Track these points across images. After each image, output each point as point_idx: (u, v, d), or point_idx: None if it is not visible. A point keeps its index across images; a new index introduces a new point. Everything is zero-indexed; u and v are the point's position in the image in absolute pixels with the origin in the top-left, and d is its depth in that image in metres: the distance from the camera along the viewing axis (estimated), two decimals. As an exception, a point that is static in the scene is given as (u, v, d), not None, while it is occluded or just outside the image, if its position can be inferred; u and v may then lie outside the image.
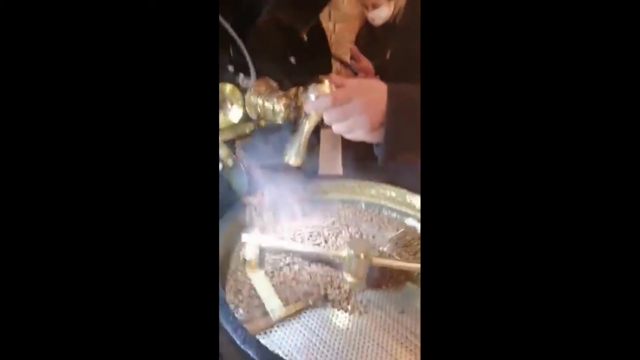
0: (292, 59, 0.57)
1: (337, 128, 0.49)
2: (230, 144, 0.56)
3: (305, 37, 0.57)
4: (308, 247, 0.54)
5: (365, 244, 0.51)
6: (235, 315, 0.43)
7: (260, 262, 0.52)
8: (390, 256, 0.56)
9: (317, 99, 0.48)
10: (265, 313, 0.45)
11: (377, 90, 0.48)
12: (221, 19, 0.44)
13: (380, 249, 0.57)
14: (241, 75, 0.51)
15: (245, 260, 0.51)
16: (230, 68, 0.50)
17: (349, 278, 0.51)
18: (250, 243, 0.51)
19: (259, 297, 0.47)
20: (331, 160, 0.72)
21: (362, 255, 0.49)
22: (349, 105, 0.47)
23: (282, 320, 0.44)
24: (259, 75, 0.54)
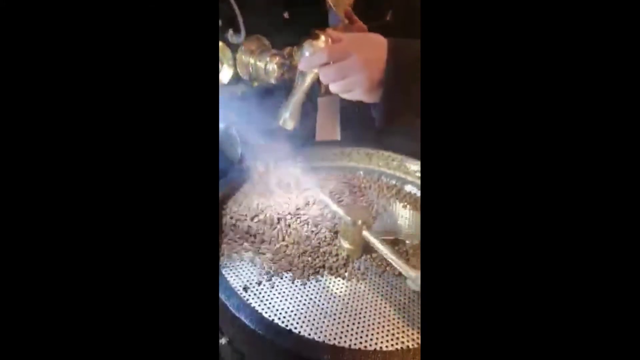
0: (286, 14, 0.53)
1: (334, 87, 0.46)
2: (223, 107, 0.53)
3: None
4: (304, 216, 0.53)
5: (363, 211, 0.49)
6: (230, 282, 0.42)
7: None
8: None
9: (311, 55, 0.45)
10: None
11: (376, 46, 0.45)
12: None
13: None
14: (230, 31, 0.47)
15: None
16: (219, 23, 0.46)
17: (346, 245, 0.49)
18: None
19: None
20: (329, 127, 0.69)
21: (359, 222, 0.48)
22: (346, 62, 0.44)
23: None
24: (250, 32, 0.50)
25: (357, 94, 0.46)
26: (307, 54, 0.45)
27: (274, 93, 0.54)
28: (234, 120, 0.54)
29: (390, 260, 0.43)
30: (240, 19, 0.45)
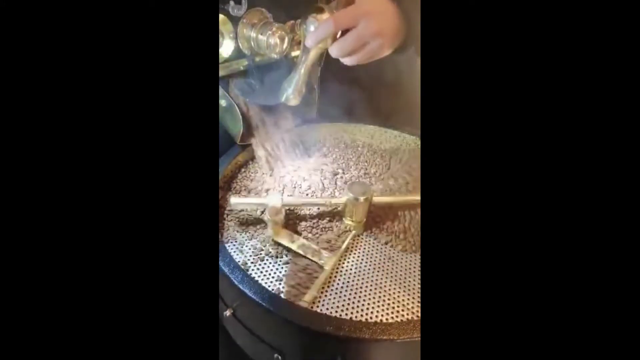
0: (287, -13, 0.51)
1: (354, 59, 0.45)
2: (224, 82, 0.52)
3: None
4: (305, 192, 0.53)
5: (364, 186, 0.49)
6: (232, 255, 0.42)
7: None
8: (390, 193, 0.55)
9: (317, 28, 0.44)
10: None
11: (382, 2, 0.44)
12: None
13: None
14: (231, 3, 0.46)
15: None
16: (219, -6, 0.45)
17: (348, 221, 0.50)
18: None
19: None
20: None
21: (361, 198, 0.48)
22: (359, 28, 0.42)
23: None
24: (252, 4, 0.49)
25: (380, 56, 0.46)
26: (312, 28, 0.44)
27: (276, 68, 0.53)
28: (235, 95, 0.53)
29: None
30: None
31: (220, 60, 0.51)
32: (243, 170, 0.57)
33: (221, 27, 0.48)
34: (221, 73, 0.51)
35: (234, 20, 0.48)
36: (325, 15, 0.44)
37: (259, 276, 0.42)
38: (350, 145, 0.65)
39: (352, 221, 0.50)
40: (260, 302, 0.36)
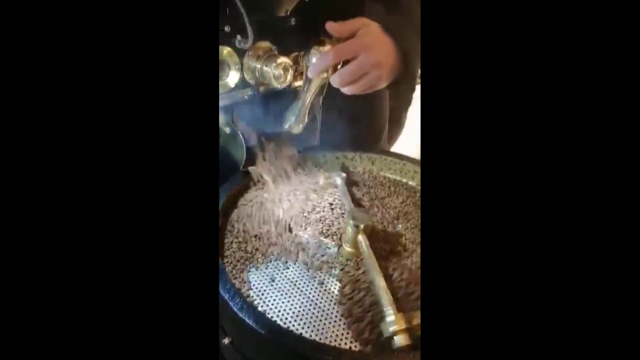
0: (292, 21, 0.54)
1: (353, 88, 0.47)
2: (228, 110, 0.54)
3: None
4: (308, 219, 0.53)
5: (364, 214, 0.50)
6: (233, 282, 0.42)
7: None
8: (390, 224, 0.55)
9: (318, 60, 0.46)
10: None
11: (373, 32, 0.46)
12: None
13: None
14: (238, 37, 0.48)
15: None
16: (227, 28, 0.47)
17: (348, 248, 0.50)
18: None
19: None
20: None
21: (361, 226, 0.48)
22: (359, 59, 0.45)
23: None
24: (257, 37, 0.51)
25: (378, 87, 0.48)
26: (314, 59, 0.46)
27: (280, 97, 0.55)
28: (239, 123, 0.55)
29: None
30: (248, 26, 0.46)
31: (226, 90, 0.52)
32: (246, 195, 0.57)
33: (228, 59, 0.50)
34: (226, 102, 0.53)
35: (240, 53, 0.50)
36: (326, 48, 0.46)
37: (259, 304, 0.42)
38: (350, 173, 0.66)
39: (351, 249, 0.50)
40: (260, 330, 0.36)
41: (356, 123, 0.72)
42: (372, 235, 0.50)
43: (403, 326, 0.35)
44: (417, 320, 0.36)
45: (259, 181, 0.56)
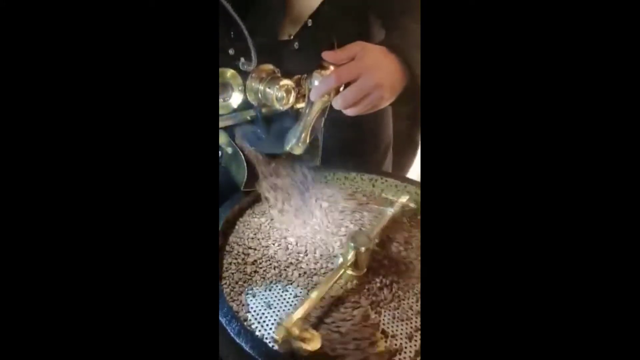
0: (296, 44, 0.55)
1: (356, 109, 0.48)
2: (231, 131, 0.54)
3: (309, 22, 0.55)
4: (308, 243, 0.53)
5: (365, 237, 0.49)
6: (230, 305, 0.41)
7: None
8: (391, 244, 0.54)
9: (320, 83, 0.46)
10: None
11: (377, 53, 0.47)
12: (226, 4, 0.42)
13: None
14: (242, 60, 0.49)
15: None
16: (231, 51, 0.48)
17: (350, 272, 0.49)
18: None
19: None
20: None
21: (362, 249, 0.48)
22: (361, 80, 0.45)
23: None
24: (261, 60, 0.52)
25: (380, 107, 0.48)
26: (316, 82, 0.47)
27: (282, 119, 0.55)
28: (242, 144, 0.55)
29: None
30: (252, 48, 0.46)
31: (228, 111, 0.53)
32: (246, 215, 0.57)
33: (231, 81, 0.50)
34: (229, 122, 0.53)
35: (244, 75, 0.51)
36: (328, 71, 0.46)
37: (257, 328, 0.41)
38: (351, 194, 0.66)
39: (353, 271, 0.49)
40: (257, 357, 0.35)
41: (358, 144, 0.72)
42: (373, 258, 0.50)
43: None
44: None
45: (259, 202, 0.56)
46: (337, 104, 0.47)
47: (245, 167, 0.53)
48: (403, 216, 0.61)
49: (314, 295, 0.41)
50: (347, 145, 0.72)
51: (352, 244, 0.48)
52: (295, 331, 0.36)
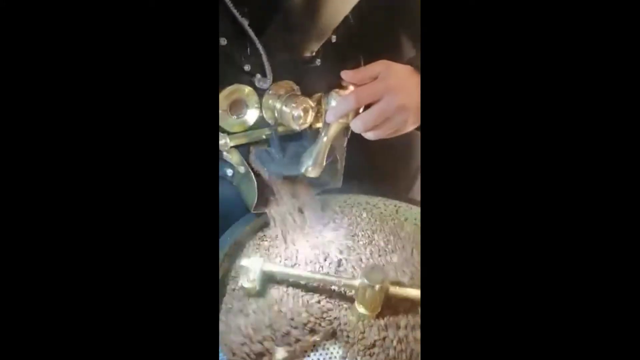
0: (318, 61, 0.51)
1: (377, 133, 0.44)
2: (245, 150, 0.52)
3: (333, 38, 0.51)
4: (317, 275, 0.49)
5: (381, 272, 0.44)
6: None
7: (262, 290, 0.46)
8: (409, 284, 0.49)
9: (338, 104, 0.43)
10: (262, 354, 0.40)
11: (402, 73, 0.43)
12: (237, 14, 0.40)
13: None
14: (258, 76, 0.46)
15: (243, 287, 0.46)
16: (247, 67, 0.46)
17: (362, 309, 0.45)
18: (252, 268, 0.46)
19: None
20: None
21: (377, 287, 0.43)
22: (382, 103, 0.41)
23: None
24: (280, 77, 0.49)
25: (404, 131, 0.44)
26: (333, 103, 0.43)
27: (298, 139, 0.52)
28: (254, 163, 0.52)
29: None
30: (267, 65, 0.44)
31: (242, 129, 0.50)
32: (258, 236, 0.54)
33: (246, 98, 0.48)
34: (243, 140, 0.51)
35: (260, 92, 0.48)
36: (347, 91, 0.43)
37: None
38: (370, 221, 0.61)
39: (365, 309, 0.44)
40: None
41: (386, 168, 0.68)
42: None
43: None
44: None
45: (268, 225, 0.53)
46: (356, 126, 0.43)
47: (256, 189, 0.50)
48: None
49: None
50: (374, 169, 0.67)
51: (365, 281, 0.44)
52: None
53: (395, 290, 0.45)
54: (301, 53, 0.50)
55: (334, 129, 0.45)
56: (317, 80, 0.52)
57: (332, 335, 0.43)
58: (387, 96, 0.41)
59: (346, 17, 0.51)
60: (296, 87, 0.51)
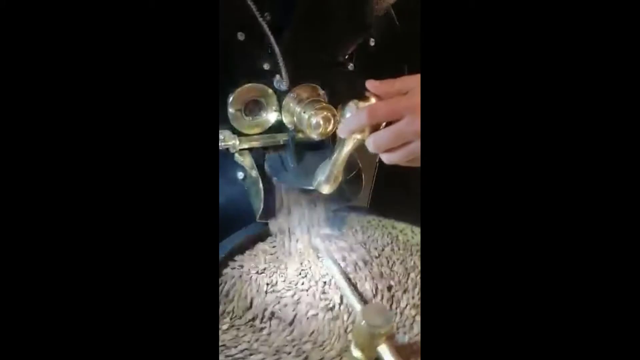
0: (351, 66, 0.46)
1: (391, 157, 0.37)
2: (260, 154, 0.48)
3: (372, 41, 0.46)
4: (314, 306, 0.43)
5: (385, 314, 0.38)
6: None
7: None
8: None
9: (351, 116, 0.37)
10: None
11: None
12: (251, 4, 0.36)
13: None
14: (277, 77, 0.42)
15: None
16: (266, 66, 0.42)
17: (357, 353, 0.39)
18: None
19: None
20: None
21: (379, 331, 0.37)
22: (400, 124, 0.35)
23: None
24: (304, 80, 0.45)
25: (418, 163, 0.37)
26: (348, 115, 0.38)
27: (316, 149, 0.47)
28: (267, 169, 0.48)
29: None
30: (282, 65, 0.39)
31: (260, 131, 0.47)
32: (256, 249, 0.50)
33: (263, 99, 0.44)
34: (255, 144, 0.47)
35: (280, 94, 0.44)
36: (367, 104, 0.37)
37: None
38: (391, 251, 0.54)
39: (362, 354, 0.38)
40: None
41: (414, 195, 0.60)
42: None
43: None
44: None
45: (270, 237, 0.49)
46: (370, 146, 0.37)
47: (262, 197, 0.46)
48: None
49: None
50: (410, 194, 0.60)
51: (364, 321, 0.37)
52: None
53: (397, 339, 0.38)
54: (331, 55, 0.45)
55: (349, 144, 0.39)
56: (347, 87, 0.46)
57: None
58: (410, 116, 0.34)
59: (390, 18, 0.45)
60: (322, 92, 0.46)
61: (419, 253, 0.54)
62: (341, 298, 0.44)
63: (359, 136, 0.38)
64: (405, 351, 0.39)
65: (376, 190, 0.63)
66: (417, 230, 0.57)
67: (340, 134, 0.39)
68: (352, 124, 0.37)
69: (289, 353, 0.39)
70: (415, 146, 0.36)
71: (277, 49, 0.39)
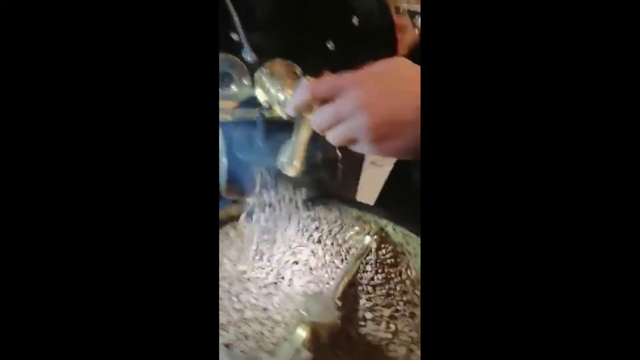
0: (330, 44, 0.44)
1: (331, 137, 0.34)
2: (229, 128, 0.47)
3: (355, 19, 0.43)
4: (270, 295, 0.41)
5: (327, 307, 0.35)
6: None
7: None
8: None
9: (294, 93, 0.35)
10: None
11: (403, 72, 0.32)
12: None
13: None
14: (246, 47, 0.41)
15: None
16: (235, 37, 0.40)
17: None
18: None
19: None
20: (369, 191, 0.56)
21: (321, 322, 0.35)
22: (339, 101, 0.32)
23: None
24: (281, 55, 0.43)
25: (362, 146, 0.33)
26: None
27: (285, 128, 0.45)
28: (239, 148, 0.47)
29: None
30: (242, 34, 0.37)
31: (232, 106, 0.46)
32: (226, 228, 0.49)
33: (231, 70, 0.43)
34: (227, 118, 0.46)
35: (250, 66, 0.43)
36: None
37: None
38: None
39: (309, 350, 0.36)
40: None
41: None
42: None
43: None
44: None
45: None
46: (313, 125, 0.35)
47: (226, 173, 0.45)
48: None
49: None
50: (412, 195, 0.56)
51: (303, 312, 0.35)
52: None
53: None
54: (311, 32, 0.42)
55: (305, 125, 0.37)
56: (326, 66, 0.44)
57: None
58: (352, 91, 0.31)
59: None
60: (299, 71, 0.44)
61: (406, 256, 0.51)
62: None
63: (308, 115, 0.35)
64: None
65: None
66: (399, 228, 0.54)
67: (288, 111, 0.37)
68: (295, 100, 0.35)
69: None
70: (349, 124, 0.32)
71: (236, 18, 0.37)
